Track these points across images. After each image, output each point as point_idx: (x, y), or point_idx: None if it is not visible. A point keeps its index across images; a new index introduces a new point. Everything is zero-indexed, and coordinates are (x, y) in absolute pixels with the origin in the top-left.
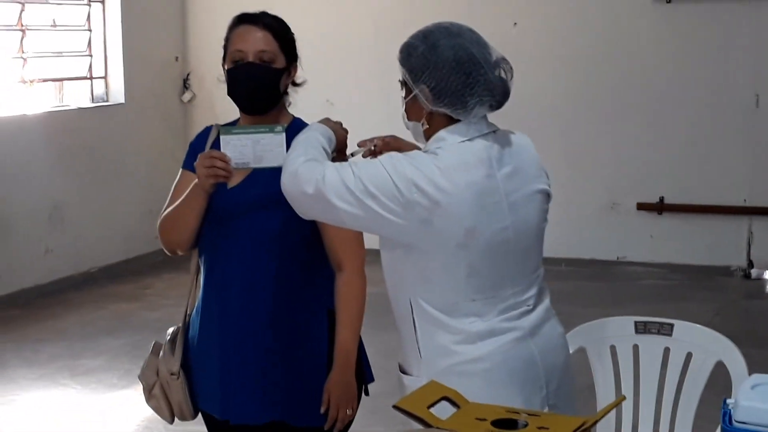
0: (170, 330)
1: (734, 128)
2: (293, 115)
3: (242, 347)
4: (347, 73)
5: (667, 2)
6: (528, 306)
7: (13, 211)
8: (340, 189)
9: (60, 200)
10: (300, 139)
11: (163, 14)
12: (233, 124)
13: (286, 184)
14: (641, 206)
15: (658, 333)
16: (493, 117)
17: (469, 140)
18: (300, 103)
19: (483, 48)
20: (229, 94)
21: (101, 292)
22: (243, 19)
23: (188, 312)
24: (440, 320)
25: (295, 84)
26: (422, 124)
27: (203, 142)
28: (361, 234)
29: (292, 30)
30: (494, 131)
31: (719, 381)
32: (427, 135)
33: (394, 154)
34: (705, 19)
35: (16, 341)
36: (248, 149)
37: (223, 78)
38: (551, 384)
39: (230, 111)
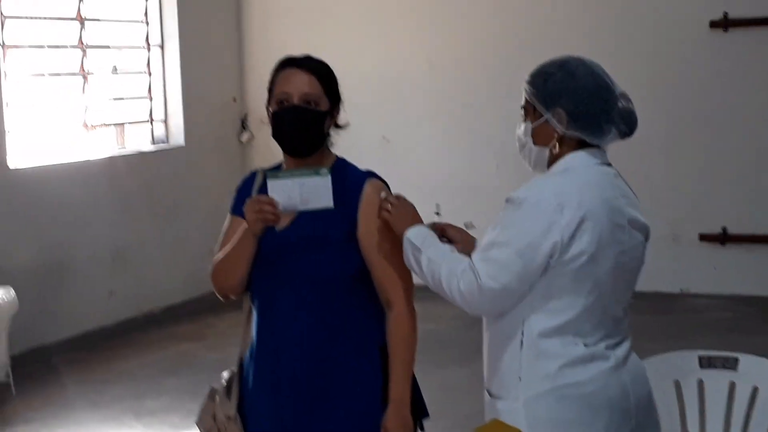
0: (225, 374)
1: None
2: (336, 155)
3: (296, 387)
4: (402, 109)
5: (725, 31)
6: (622, 336)
7: (77, 255)
8: (502, 274)
9: (122, 243)
10: (430, 256)
11: (221, 56)
12: (278, 167)
13: (462, 306)
14: (703, 237)
15: (723, 367)
16: None
17: (597, 164)
18: (356, 139)
19: (611, 80)
20: (274, 136)
21: (164, 333)
22: (288, 63)
23: (242, 355)
24: (550, 340)
25: (337, 126)
26: (552, 147)
27: (249, 187)
28: (409, 271)
29: (350, 69)
30: (611, 164)
31: None
32: (553, 159)
33: (521, 196)
34: (764, 45)
35: (81, 383)
36: (295, 192)
37: (267, 120)
38: (639, 416)
39: None
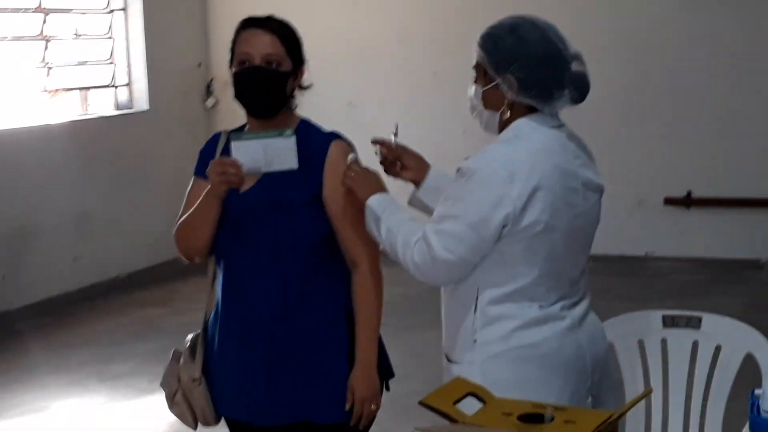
0: (189, 336)
1: (761, 119)
2: (300, 117)
3: (262, 348)
4: (369, 75)
5: None
6: (579, 296)
7: (41, 221)
8: (455, 246)
9: (86, 208)
10: (389, 225)
11: (185, 21)
12: (241, 129)
13: (416, 276)
14: (668, 201)
15: (686, 326)
16: None
17: (547, 128)
18: (322, 104)
19: (564, 43)
20: (237, 97)
21: (129, 299)
22: (250, 23)
23: (207, 318)
24: (504, 305)
25: (301, 87)
26: (502, 113)
27: (213, 149)
28: None
29: (316, 33)
30: (563, 125)
31: (749, 374)
32: (504, 124)
33: (471, 167)
34: (729, 9)
35: (45, 348)
36: (259, 154)
37: (231, 82)
38: (595, 375)
39: None
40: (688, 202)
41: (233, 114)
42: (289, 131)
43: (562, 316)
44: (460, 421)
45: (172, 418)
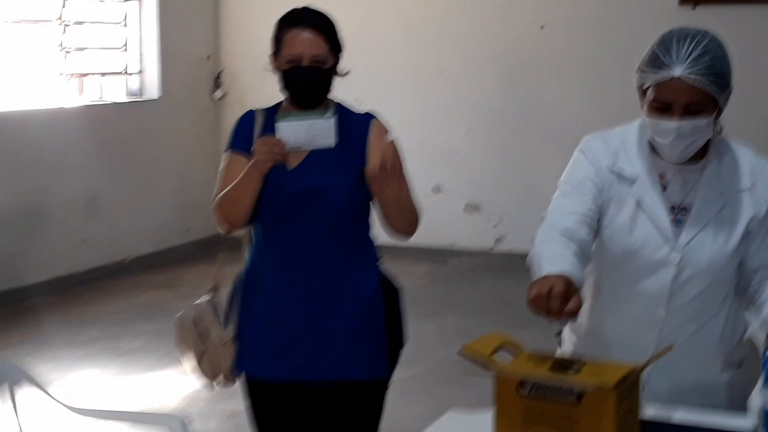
0: (203, 299)
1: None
2: (334, 101)
3: (305, 313)
4: (376, 74)
5: (693, 8)
6: None
7: (51, 201)
8: None
9: (96, 191)
10: None
11: (197, 13)
12: (275, 108)
13: None
14: None
15: None
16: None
17: None
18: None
19: None
20: (285, 89)
21: (135, 281)
22: (294, 22)
23: (236, 282)
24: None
25: (340, 75)
26: (718, 131)
27: (248, 126)
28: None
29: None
30: None
31: None
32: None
33: None
34: (733, 24)
35: (57, 324)
36: (302, 134)
37: (269, 68)
38: None
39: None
40: None
41: (241, 106)
42: (329, 113)
43: None
44: (496, 369)
45: (185, 389)
